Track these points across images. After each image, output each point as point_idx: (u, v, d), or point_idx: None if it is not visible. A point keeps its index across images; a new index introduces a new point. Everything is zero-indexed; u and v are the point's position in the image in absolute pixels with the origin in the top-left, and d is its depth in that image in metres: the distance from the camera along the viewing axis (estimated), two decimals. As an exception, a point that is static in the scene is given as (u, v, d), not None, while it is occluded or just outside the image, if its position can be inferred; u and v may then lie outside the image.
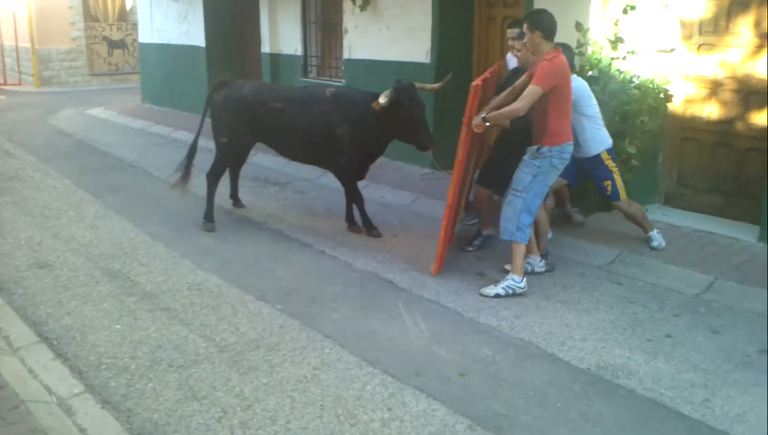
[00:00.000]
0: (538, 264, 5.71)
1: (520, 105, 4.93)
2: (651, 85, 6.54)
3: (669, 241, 6.16)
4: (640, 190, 6.88)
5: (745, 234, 6.20)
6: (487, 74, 6.03)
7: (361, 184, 6.78)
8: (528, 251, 5.62)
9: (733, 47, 6.51)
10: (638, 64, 6.66)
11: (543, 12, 5.12)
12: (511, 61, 6.32)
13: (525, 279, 5.28)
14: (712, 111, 6.73)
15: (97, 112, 14.20)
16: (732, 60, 6.53)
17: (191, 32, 13.13)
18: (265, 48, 11.47)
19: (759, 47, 6.32)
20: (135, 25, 18.97)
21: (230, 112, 6.66)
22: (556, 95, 4.97)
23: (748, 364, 4.28)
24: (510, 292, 5.23)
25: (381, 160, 6.95)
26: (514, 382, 4.14)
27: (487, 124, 5.16)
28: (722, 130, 6.66)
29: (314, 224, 7.00)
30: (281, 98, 6.59)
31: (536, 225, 5.55)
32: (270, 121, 6.56)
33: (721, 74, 6.62)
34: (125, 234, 6.68)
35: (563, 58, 5.03)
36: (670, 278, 5.51)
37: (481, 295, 5.26)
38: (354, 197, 6.65)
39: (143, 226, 6.88)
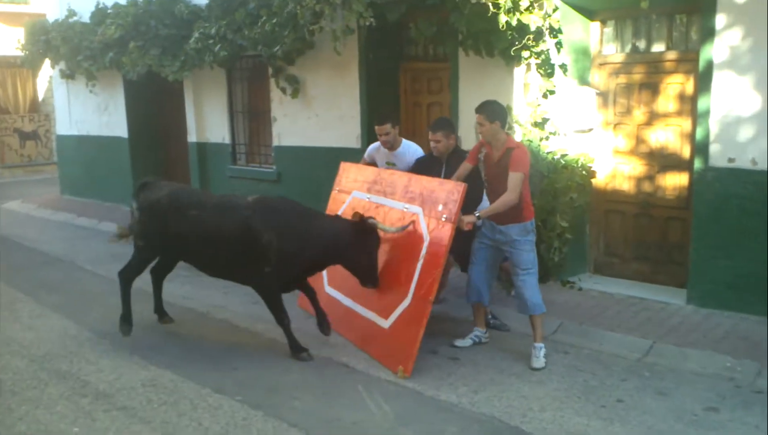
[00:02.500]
0: (484, 335, 5.97)
1: (514, 195, 5.31)
2: (576, 164, 7.00)
3: (604, 308, 6.53)
4: (571, 261, 7.28)
5: (673, 298, 6.61)
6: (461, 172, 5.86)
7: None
8: (474, 323, 5.96)
9: (643, 124, 7.07)
10: (561, 144, 7.13)
11: (495, 103, 5.58)
12: (380, 153, 6.75)
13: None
14: (631, 184, 7.24)
15: (14, 205, 13.83)
16: (644, 136, 7.08)
17: (112, 123, 13.09)
18: (192, 137, 11.56)
19: (667, 124, 6.90)
20: (48, 116, 18.82)
21: (146, 216, 6.20)
22: (527, 175, 5.43)
23: (697, 422, 4.55)
24: (545, 359, 5.53)
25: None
26: (484, 457, 4.26)
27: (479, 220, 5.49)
28: (642, 201, 7.15)
29: (259, 312, 6.93)
30: (197, 205, 6.00)
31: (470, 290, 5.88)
32: (182, 230, 5.98)
33: (636, 150, 7.15)
34: (67, 332, 6.52)
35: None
36: (612, 344, 5.81)
37: (533, 368, 5.46)
38: (278, 314, 5.90)
39: (84, 323, 6.73)
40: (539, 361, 5.50)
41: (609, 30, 7.29)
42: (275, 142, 10.24)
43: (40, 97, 19.22)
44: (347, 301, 6.32)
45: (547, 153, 6.98)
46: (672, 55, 6.82)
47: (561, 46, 6.92)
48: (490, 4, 6.36)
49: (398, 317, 5.61)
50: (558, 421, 4.63)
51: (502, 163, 5.43)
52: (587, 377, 5.29)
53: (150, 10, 10.66)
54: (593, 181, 7.25)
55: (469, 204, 5.49)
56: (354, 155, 8.97)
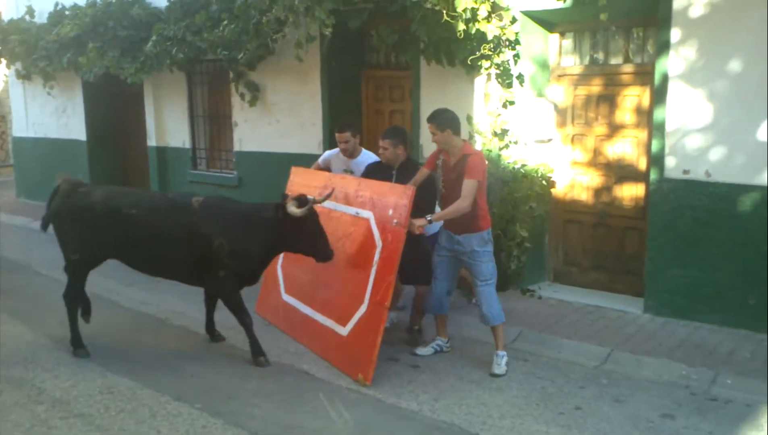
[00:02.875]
0: (446, 344, 6.00)
1: (467, 202, 5.31)
2: (536, 174, 7.09)
3: (563, 316, 6.62)
4: (531, 269, 7.36)
5: (630, 306, 6.72)
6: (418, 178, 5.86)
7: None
8: (437, 333, 5.99)
9: (601, 136, 7.20)
10: (521, 153, 7.21)
11: (446, 111, 5.59)
12: (338, 160, 6.78)
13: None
14: (589, 194, 7.35)
15: (-31, 209, 13.51)
16: (602, 147, 7.20)
17: (71, 126, 12.88)
18: (152, 141, 11.42)
19: (624, 135, 7.03)
20: (3, 118, 18.42)
21: (74, 223, 5.83)
22: (482, 183, 5.45)
23: (654, 429, 4.64)
24: (507, 367, 5.58)
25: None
26: (444, 465, 4.28)
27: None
28: (600, 211, 7.27)
29: (219, 318, 6.93)
30: (134, 206, 5.74)
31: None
32: (123, 232, 5.72)
33: (594, 161, 7.27)
34: (22, 338, 6.38)
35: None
36: (570, 352, 5.89)
37: (493, 374, 5.50)
38: (239, 315, 5.80)
39: (40, 329, 6.60)
40: (500, 368, 5.54)
41: (568, 42, 7.41)
42: (236, 148, 10.18)
43: (-5, 98, 18.82)
44: (305, 309, 6.29)
45: (508, 163, 7.05)
46: (629, 67, 6.96)
47: (519, 58, 7.01)
48: (444, 12, 6.41)
49: (356, 324, 5.59)
50: (517, 428, 4.68)
51: (457, 169, 5.45)
52: (546, 384, 5.35)
53: (109, 11, 10.51)
54: (552, 190, 7.36)
55: (423, 211, 5.47)
56: (315, 161, 8.97)
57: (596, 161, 7.27)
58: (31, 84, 13.12)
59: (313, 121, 9.07)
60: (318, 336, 6.03)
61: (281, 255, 6.45)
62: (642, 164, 6.94)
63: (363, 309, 5.53)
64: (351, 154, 6.62)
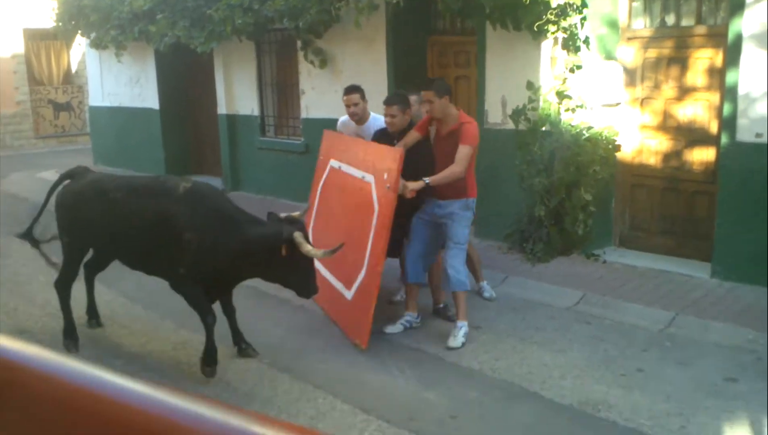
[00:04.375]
0: (416, 319, 5.84)
1: (461, 167, 5.29)
2: (600, 137, 7.01)
3: (627, 280, 6.58)
4: (596, 234, 7.31)
5: (697, 271, 6.63)
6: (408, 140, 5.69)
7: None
8: (406, 307, 5.87)
9: (671, 99, 7.06)
10: (587, 117, 7.13)
11: (440, 79, 5.66)
12: (348, 128, 6.49)
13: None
14: (658, 158, 7.23)
15: (48, 175, 14.05)
16: (672, 111, 7.06)
17: (144, 95, 13.28)
18: (222, 109, 11.70)
19: (695, 99, 6.88)
20: (81, 88, 19.07)
21: (67, 209, 5.51)
22: (474, 152, 5.43)
23: (717, 392, 4.62)
24: (466, 338, 5.45)
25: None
26: (504, 421, 4.38)
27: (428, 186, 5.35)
28: (669, 175, 7.15)
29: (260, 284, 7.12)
30: (120, 189, 5.19)
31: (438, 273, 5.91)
32: (106, 216, 5.20)
33: (664, 124, 7.14)
34: (100, 297, 6.65)
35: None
36: (634, 316, 5.87)
37: (449, 348, 5.38)
38: (200, 312, 5.10)
39: (117, 288, 6.92)
40: (456, 340, 5.40)
41: (637, 3, 7.25)
42: (303, 115, 10.35)
43: (74, 69, 19.44)
44: (324, 272, 6.09)
45: (571, 126, 6.98)
46: (701, 29, 6.78)
47: (585, 20, 6.91)
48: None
49: (357, 288, 5.58)
50: (577, 388, 4.73)
51: (452, 137, 5.38)
52: (608, 347, 5.37)
53: (180, -18, 10.77)
54: (618, 154, 7.26)
55: (421, 174, 5.33)
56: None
57: (666, 124, 7.13)
58: (106, 54, 13.55)
59: (378, 89, 9.11)
60: (332, 299, 5.95)
61: (313, 217, 6.42)
62: (713, 128, 6.77)
63: (362, 274, 5.50)
64: (360, 119, 6.28)
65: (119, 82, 13.89)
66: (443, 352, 5.33)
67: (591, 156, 6.92)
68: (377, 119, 6.25)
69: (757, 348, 5.22)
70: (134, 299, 6.63)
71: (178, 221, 4.84)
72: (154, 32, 11.05)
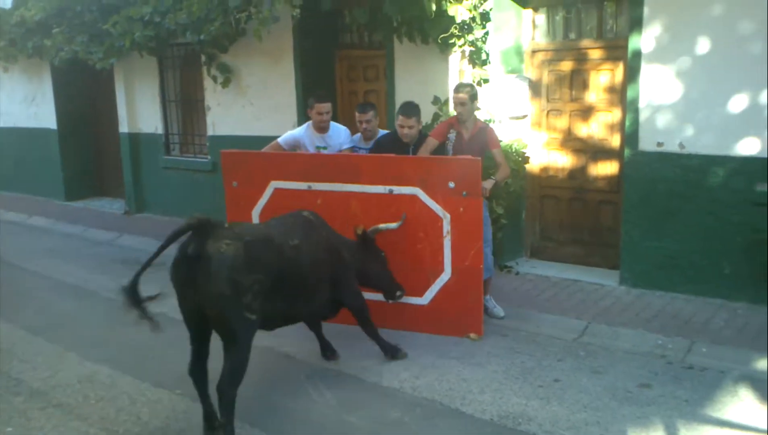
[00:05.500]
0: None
1: (509, 167, 6.14)
2: (510, 150, 7.10)
3: (540, 291, 6.68)
4: (508, 246, 7.40)
5: (606, 279, 6.80)
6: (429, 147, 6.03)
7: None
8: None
9: (575, 111, 7.23)
10: (497, 131, 7.20)
11: (472, 84, 6.06)
12: (309, 138, 6.47)
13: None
14: (564, 170, 7.39)
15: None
16: (576, 123, 7.24)
17: (41, 114, 12.70)
18: (123, 128, 11.29)
19: (598, 111, 7.07)
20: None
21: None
22: None
23: (631, 399, 4.70)
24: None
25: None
26: (426, 441, 4.32)
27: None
28: (575, 186, 7.32)
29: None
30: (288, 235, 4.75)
31: None
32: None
33: (569, 136, 7.31)
34: (-3, 330, 6.33)
35: None
36: (549, 326, 5.95)
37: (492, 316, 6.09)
38: (368, 315, 5.39)
39: (17, 320, 6.52)
40: (497, 309, 6.19)
41: (541, 18, 7.41)
42: (210, 132, 10.10)
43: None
44: (372, 296, 5.81)
45: (482, 139, 7.05)
46: (602, 44, 6.99)
47: (488, 35, 7.01)
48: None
49: (439, 291, 5.84)
50: (497, 402, 4.72)
51: (475, 141, 5.77)
52: (525, 359, 5.40)
53: (76, -6, 10.35)
54: (528, 166, 7.38)
55: None
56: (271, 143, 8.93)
57: (570, 137, 7.31)
58: (-2, 72, 12.91)
59: (287, 103, 9.02)
60: (391, 314, 5.88)
61: None
62: (616, 138, 6.98)
63: (446, 277, 5.79)
64: (326, 127, 6.41)
65: (13, 101, 13.26)
66: (363, 373, 5.24)
67: (502, 168, 6.99)
68: (338, 127, 6.55)
69: (666, 353, 5.36)
70: (36, 331, 6.25)
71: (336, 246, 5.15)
72: (49, 47, 10.57)
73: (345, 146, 6.44)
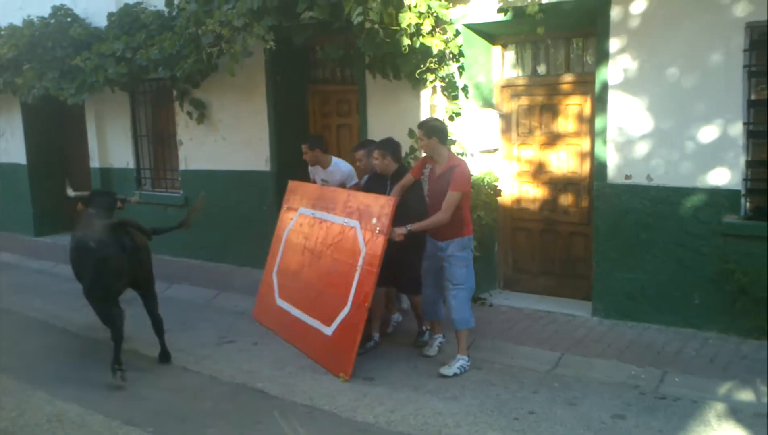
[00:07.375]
0: (443, 339, 6.31)
1: (447, 215, 5.57)
2: (482, 183, 7.17)
3: (514, 323, 6.69)
4: (481, 278, 7.40)
5: (579, 310, 6.84)
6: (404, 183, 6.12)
7: (211, 292, 6.69)
8: (434, 332, 6.34)
9: (545, 144, 7.34)
10: (469, 164, 7.27)
11: (434, 119, 5.96)
12: (317, 171, 7.29)
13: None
14: (536, 202, 7.47)
15: None
16: (546, 155, 7.33)
17: (10, 150, 12.59)
18: (95, 163, 11.21)
19: (567, 144, 7.18)
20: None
21: None
22: (467, 193, 5.69)
23: (606, 430, 4.71)
24: (463, 370, 5.75)
25: (228, 268, 6.91)
26: (402, 476, 4.28)
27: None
28: (547, 218, 7.39)
29: (169, 339, 6.82)
30: None
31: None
32: None
33: (539, 169, 7.40)
34: (-38, 370, 6.18)
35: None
36: (523, 358, 5.96)
37: (441, 375, 5.70)
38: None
39: (-19, 359, 6.40)
40: (450, 369, 5.73)
41: (510, 54, 7.54)
42: (182, 166, 10.07)
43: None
44: (296, 312, 6.66)
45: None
46: (570, 77, 7.12)
47: (463, 70, 7.10)
48: (388, 28, 6.48)
49: (339, 324, 5.93)
50: (473, 435, 4.71)
51: (443, 179, 5.66)
52: (500, 391, 5.40)
53: (47, 31, 10.29)
54: (499, 199, 7.46)
55: (412, 216, 5.75)
56: (263, 178, 8.96)
57: (541, 169, 7.40)
58: (-34, 107, 12.78)
59: (260, 137, 9.03)
60: (306, 336, 6.35)
61: (277, 262, 7.15)
62: (585, 171, 7.08)
63: (346, 310, 5.88)
64: (321, 164, 7.17)
65: (-19, 136, 13.10)
66: (338, 408, 5.19)
67: (474, 201, 7.02)
68: (338, 162, 7.23)
69: (639, 383, 5.39)
70: (3, 369, 6.11)
71: None
72: (20, 84, 10.51)
73: (351, 183, 7.13)
